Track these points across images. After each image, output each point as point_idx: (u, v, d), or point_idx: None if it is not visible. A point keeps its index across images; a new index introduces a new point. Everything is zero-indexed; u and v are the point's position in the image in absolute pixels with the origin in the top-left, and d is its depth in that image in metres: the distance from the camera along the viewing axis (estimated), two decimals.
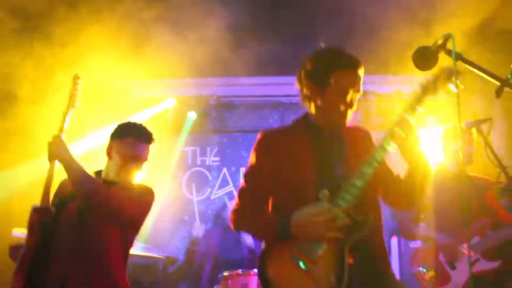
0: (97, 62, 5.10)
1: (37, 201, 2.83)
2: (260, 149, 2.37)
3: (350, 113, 2.28)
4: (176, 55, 5.32)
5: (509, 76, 1.60)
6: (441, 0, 4.93)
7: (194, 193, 6.53)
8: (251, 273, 4.40)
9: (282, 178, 2.30)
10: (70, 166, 2.77)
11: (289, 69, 6.43)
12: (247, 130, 6.66)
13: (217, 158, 6.64)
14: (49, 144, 2.80)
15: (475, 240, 3.67)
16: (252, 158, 2.39)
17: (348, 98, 2.24)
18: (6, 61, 4.85)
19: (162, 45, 5.28)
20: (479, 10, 4.57)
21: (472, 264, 3.62)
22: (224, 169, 6.59)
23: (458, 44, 1.64)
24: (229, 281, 4.31)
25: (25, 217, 2.87)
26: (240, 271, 4.48)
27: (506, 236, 3.58)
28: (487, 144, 3.23)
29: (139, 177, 3.18)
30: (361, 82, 2.27)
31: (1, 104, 5.11)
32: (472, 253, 3.65)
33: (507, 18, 4.64)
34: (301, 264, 2.13)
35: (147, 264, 5.48)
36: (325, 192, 2.14)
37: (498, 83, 1.62)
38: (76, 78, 3.03)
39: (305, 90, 2.35)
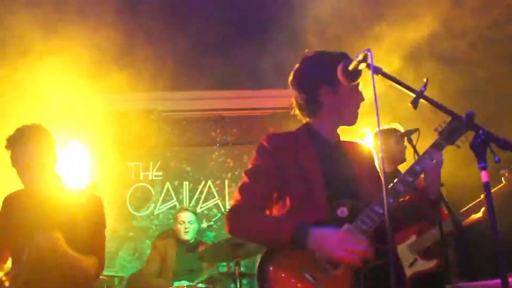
0: (32, 75, 5.04)
1: None
2: (264, 150, 2.30)
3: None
4: (117, 69, 5.30)
5: (422, 89, 1.73)
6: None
7: (138, 209, 6.46)
8: (198, 287, 4.41)
9: (287, 181, 2.22)
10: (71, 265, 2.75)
11: (231, 83, 6.52)
12: (189, 144, 6.69)
13: (160, 173, 6.60)
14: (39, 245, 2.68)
15: (412, 239, 3.79)
16: (255, 159, 2.31)
17: (360, 91, 2.32)
18: None
19: (104, 59, 5.24)
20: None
21: (410, 265, 3.75)
22: (167, 184, 6.56)
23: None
24: None
25: None
26: (186, 286, 4.49)
27: (438, 234, 3.67)
28: (416, 152, 3.43)
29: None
30: None
31: None
32: (410, 254, 3.78)
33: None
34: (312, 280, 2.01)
35: None
36: (345, 210, 2.11)
37: (414, 95, 1.75)
38: None
39: (315, 94, 2.30)
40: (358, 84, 2.25)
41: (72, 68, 5.15)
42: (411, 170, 2.12)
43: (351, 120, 2.35)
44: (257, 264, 2.11)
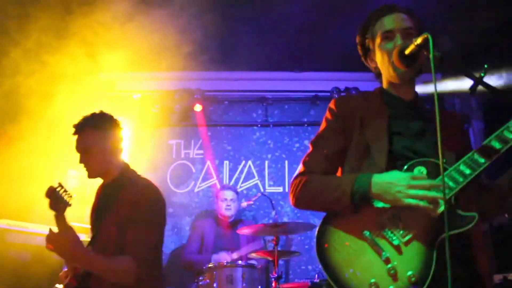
0: (81, 52, 5.15)
1: None
2: (331, 113, 2.18)
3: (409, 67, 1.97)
4: (161, 47, 5.37)
5: (482, 74, 1.71)
6: None
7: (178, 186, 6.58)
8: (237, 264, 4.49)
9: (351, 140, 2.07)
10: (89, 265, 2.60)
11: (274, 65, 6.51)
12: (231, 124, 6.76)
13: (201, 151, 6.69)
14: (53, 242, 2.52)
15: None
16: (322, 125, 2.20)
17: (396, 39, 2.03)
18: None
19: (147, 37, 5.31)
20: None
21: None
22: (208, 162, 6.64)
23: None
24: (214, 272, 4.38)
25: None
26: (225, 262, 4.57)
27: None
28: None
29: None
30: (406, 22, 2.06)
31: None
32: None
33: None
34: (380, 245, 1.81)
35: None
36: (422, 169, 1.88)
37: (472, 81, 1.74)
38: (51, 191, 2.70)
39: (368, 63, 2.23)
40: (395, 28, 2.04)
41: (117, 46, 5.26)
42: (487, 148, 1.84)
43: (393, 78, 2.09)
44: (319, 224, 1.96)
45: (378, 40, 2.10)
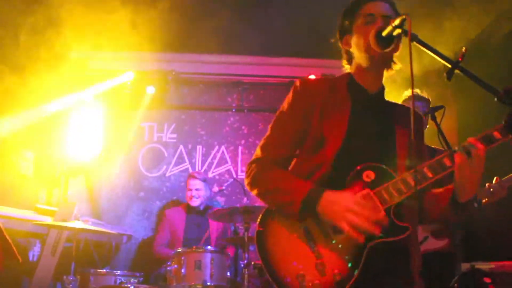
0: (53, 31, 5.00)
1: None
2: (296, 93, 2.14)
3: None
4: (136, 27, 5.25)
5: (459, 59, 1.66)
6: None
7: (150, 170, 6.47)
8: (205, 249, 4.42)
9: (309, 129, 2.05)
10: None
11: (251, 49, 6.41)
12: (205, 108, 6.65)
13: (174, 135, 6.57)
14: None
15: None
16: (284, 105, 2.16)
17: (377, 23, 1.98)
18: None
19: (123, 17, 5.18)
20: None
21: (420, 243, 3.68)
22: (181, 147, 6.54)
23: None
24: (182, 257, 4.31)
25: None
26: (194, 247, 4.49)
27: None
28: (440, 130, 3.39)
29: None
30: (388, 11, 2.05)
31: None
32: (421, 231, 3.72)
33: None
34: (310, 242, 1.88)
35: (99, 240, 5.43)
36: (371, 174, 1.91)
37: (450, 66, 1.68)
38: None
39: (343, 46, 2.20)
40: (376, 12, 2.03)
41: (90, 25, 5.12)
42: (439, 163, 1.87)
43: (364, 60, 2.07)
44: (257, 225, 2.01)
45: (358, 22, 2.08)
